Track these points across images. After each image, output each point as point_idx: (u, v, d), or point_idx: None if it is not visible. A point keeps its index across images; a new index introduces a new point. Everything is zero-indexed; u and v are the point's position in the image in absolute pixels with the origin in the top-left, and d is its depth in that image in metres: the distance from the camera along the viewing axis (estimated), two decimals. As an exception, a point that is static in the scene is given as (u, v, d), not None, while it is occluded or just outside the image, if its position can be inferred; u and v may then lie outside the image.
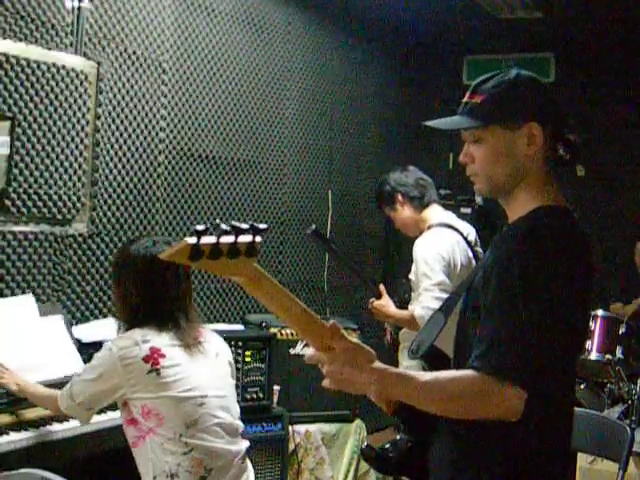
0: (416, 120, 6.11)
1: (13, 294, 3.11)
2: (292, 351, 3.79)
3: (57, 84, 3.28)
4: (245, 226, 1.32)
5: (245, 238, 1.32)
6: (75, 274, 3.39)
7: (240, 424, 2.45)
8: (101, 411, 2.56)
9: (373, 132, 5.65)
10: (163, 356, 2.27)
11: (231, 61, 4.28)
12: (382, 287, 3.32)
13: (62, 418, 2.58)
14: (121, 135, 3.62)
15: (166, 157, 3.89)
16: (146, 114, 3.75)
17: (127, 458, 2.34)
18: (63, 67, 3.30)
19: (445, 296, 2.98)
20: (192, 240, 1.27)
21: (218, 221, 1.32)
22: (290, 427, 3.58)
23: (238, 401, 2.52)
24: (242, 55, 4.36)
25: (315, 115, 5.01)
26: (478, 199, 5.39)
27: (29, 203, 3.18)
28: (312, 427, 3.80)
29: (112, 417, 2.67)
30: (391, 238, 5.49)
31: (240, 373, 3.31)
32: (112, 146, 3.57)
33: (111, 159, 3.57)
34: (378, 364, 1.50)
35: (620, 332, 4.30)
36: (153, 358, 2.25)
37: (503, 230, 1.67)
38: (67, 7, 3.32)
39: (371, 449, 1.71)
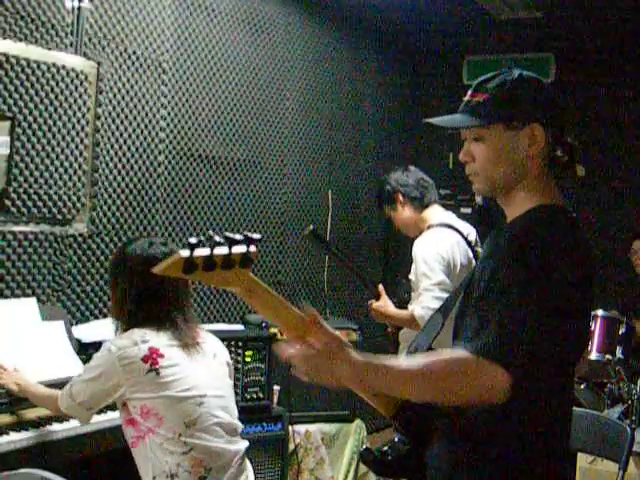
0: (416, 120, 6.11)
1: (13, 294, 3.11)
2: (292, 351, 3.79)
3: (57, 84, 3.28)
4: (239, 237, 1.32)
5: (239, 249, 1.32)
6: (75, 274, 3.40)
7: (239, 424, 2.46)
8: (101, 411, 2.57)
9: (373, 132, 5.66)
10: (162, 356, 2.27)
11: (231, 61, 4.29)
12: (381, 287, 3.31)
13: (62, 418, 2.58)
14: (121, 135, 3.62)
15: (166, 157, 3.89)
16: (146, 114, 3.75)
17: (127, 458, 2.34)
18: (63, 67, 3.30)
19: (445, 295, 2.99)
20: (185, 253, 1.27)
21: (211, 232, 1.32)
22: (290, 427, 3.58)
23: (238, 401, 2.52)
24: (242, 55, 4.36)
25: (315, 115, 5.01)
26: (478, 199, 5.39)
27: (29, 203, 3.18)
28: (312, 427, 3.80)
29: (112, 417, 2.67)
30: (391, 238, 5.49)
31: (240, 373, 3.31)
32: (112, 146, 3.57)
33: (111, 159, 3.57)
34: (359, 358, 1.48)
35: (620, 332, 4.30)
36: (152, 358, 2.26)
37: (500, 228, 1.67)
38: (67, 7, 3.32)
39: (369, 452, 1.71)
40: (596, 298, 1.67)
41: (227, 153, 4.28)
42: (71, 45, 3.35)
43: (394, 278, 5.21)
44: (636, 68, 5.54)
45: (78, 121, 3.38)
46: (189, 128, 4.01)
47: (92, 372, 2.31)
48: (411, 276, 3.25)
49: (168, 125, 3.89)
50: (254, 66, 4.46)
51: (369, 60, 5.58)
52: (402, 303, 3.34)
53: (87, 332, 3.15)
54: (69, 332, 3.04)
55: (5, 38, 3.07)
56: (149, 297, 2.34)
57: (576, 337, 1.62)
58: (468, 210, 5.34)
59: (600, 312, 4.32)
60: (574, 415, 1.71)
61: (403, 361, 1.52)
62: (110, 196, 3.57)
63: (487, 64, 6.02)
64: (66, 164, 3.34)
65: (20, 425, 2.50)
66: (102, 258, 3.52)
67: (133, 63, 3.67)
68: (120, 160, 3.62)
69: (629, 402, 3.87)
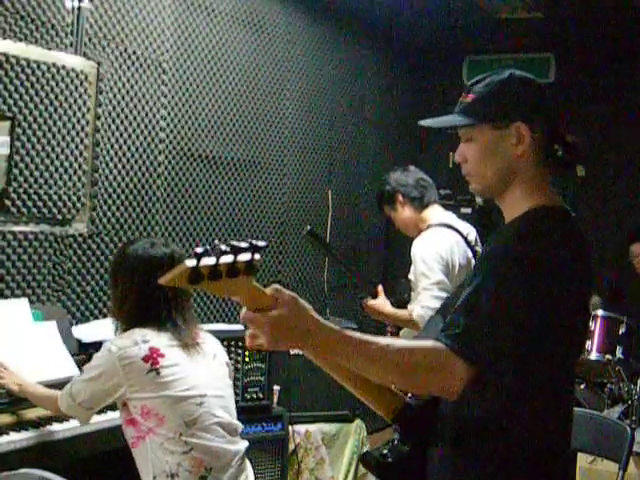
0: (416, 120, 6.10)
1: (13, 294, 3.11)
2: (292, 351, 3.79)
3: (57, 84, 3.28)
4: (244, 245, 1.31)
5: (244, 257, 1.31)
6: (75, 274, 3.39)
7: (239, 424, 2.46)
8: (101, 411, 2.56)
9: (373, 132, 5.66)
10: (162, 356, 2.28)
11: (231, 61, 4.29)
12: (380, 287, 3.31)
13: (62, 418, 2.58)
14: (121, 135, 3.62)
15: (166, 157, 3.89)
16: (146, 114, 3.75)
17: (127, 458, 2.34)
18: (63, 67, 3.30)
19: (444, 295, 3.00)
20: (191, 263, 1.26)
21: (217, 241, 1.31)
22: (290, 427, 3.58)
23: (238, 401, 2.53)
24: (242, 55, 4.36)
25: (315, 115, 5.01)
26: (478, 199, 5.39)
27: (29, 203, 3.18)
28: (312, 427, 3.79)
29: (112, 417, 2.67)
30: (391, 238, 5.49)
31: (240, 373, 3.32)
32: (112, 146, 3.57)
33: (111, 159, 3.57)
34: (320, 318, 1.44)
35: (620, 332, 4.30)
36: (152, 358, 2.26)
37: (497, 230, 1.66)
38: (67, 7, 3.32)
39: (370, 456, 1.71)
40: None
41: (227, 153, 4.28)
42: (71, 45, 3.35)
43: (394, 278, 5.20)
44: (636, 68, 5.54)
45: (78, 121, 3.38)
46: (189, 128, 4.01)
47: (92, 372, 2.31)
48: (410, 276, 3.25)
49: (168, 125, 3.89)
50: (254, 66, 4.46)
51: (369, 60, 5.58)
52: (401, 303, 3.34)
53: (87, 332, 3.15)
54: (68, 332, 3.04)
55: (5, 38, 3.07)
56: (149, 297, 2.34)
57: (574, 339, 1.62)
58: (468, 210, 5.35)
59: (600, 312, 4.32)
60: (574, 415, 1.71)
61: (372, 338, 1.48)
62: (110, 196, 3.57)
63: (487, 64, 6.02)
64: (66, 164, 3.34)
65: (20, 425, 2.50)
66: (102, 258, 3.51)
67: (133, 63, 3.67)
68: (120, 160, 3.62)
69: (629, 402, 3.87)
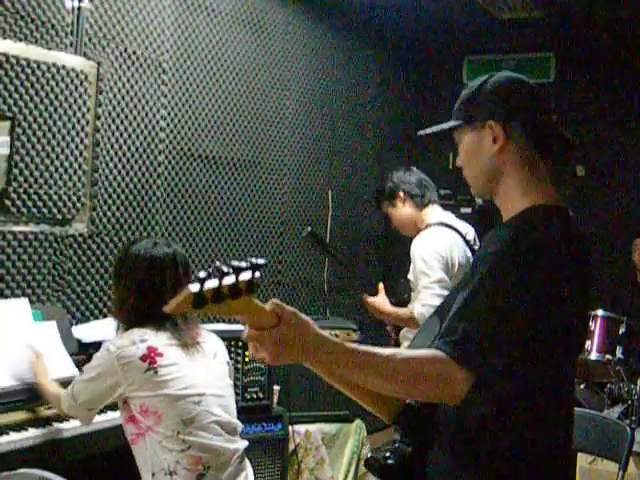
0: (416, 120, 6.12)
1: (13, 294, 3.11)
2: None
3: (57, 84, 3.28)
4: (244, 264, 1.32)
5: (245, 276, 1.32)
6: (75, 274, 3.39)
7: (239, 423, 2.47)
8: (101, 411, 2.58)
9: (373, 132, 5.66)
10: (160, 355, 2.29)
11: (231, 61, 4.29)
12: (381, 285, 3.32)
13: (62, 418, 2.59)
14: (121, 135, 3.62)
15: (166, 157, 3.89)
16: (146, 114, 3.75)
17: (127, 458, 2.35)
18: (63, 67, 3.30)
19: (445, 293, 3.00)
20: (195, 288, 1.27)
21: (218, 263, 1.32)
22: (290, 427, 3.58)
23: (238, 401, 2.53)
24: (242, 55, 4.36)
25: (315, 115, 5.01)
26: (478, 199, 5.39)
27: (29, 203, 3.18)
28: (312, 427, 3.80)
29: (112, 417, 2.67)
30: (391, 238, 5.49)
31: (240, 373, 3.32)
32: (112, 146, 3.57)
33: (111, 159, 3.57)
34: (321, 332, 1.45)
35: (620, 332, 4.30)
36: (150, 357, 2.27)
37: (492, 231, 1.66)
38: (67, 7, 3.32)
39: (374, 459, 1.72)
40: (596, 298, 1.67)
41: (227, 153, 4.28)
42: (71, 45, 3.35)
43: (394, 278, 5.20)
44: (636, 68, 5.54)
45: (78, 121, 3.38)
46: (189, 128, 4.01)
47: (92, 372, 2.33)
48: (410, 276, 3.25)
49: (168, 125, 3.89)
50: (254, 66, 4.46)
51: (369, 60, 5.58)
52: (401, 303, 3.34)
53: (87, 332, 3.15)
54: (68, 332, 3.04)
55: (5, 38, 3.07)
56: (150, 297, 2.35)
57: (572, 339, 1.62)
58: (468, 210, 5.35)
59: (600, 312, 4.32)
60: (574, 415, 1.71)
61: (379, 356, 1.48)
62: (110, 196, 3.57)
63: (487, 64, 6.02)
64: (66, 164, 3.34)
65: (20, 425, 2.50)
66: (102, 258, 3.52)
67: (133, 63, 3.67)
68: (120, 160, 3.62)
69: (629, 402, 3.87)
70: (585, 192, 5.54)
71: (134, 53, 3.67)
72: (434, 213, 3.35)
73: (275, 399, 3.58)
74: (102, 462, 2.78)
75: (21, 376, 2.64)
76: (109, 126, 3.55)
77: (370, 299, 3.30)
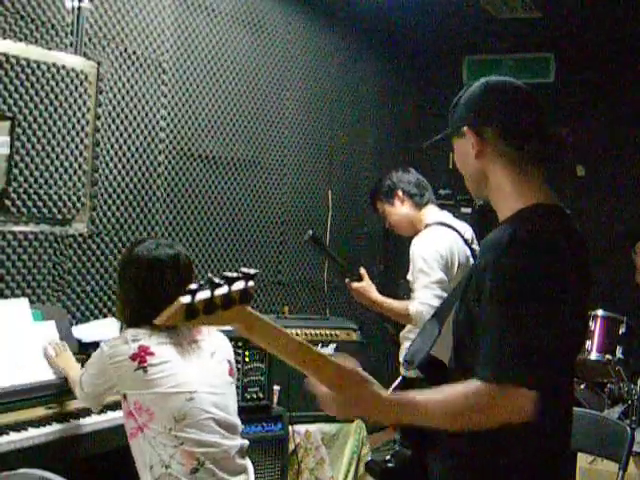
0: (416, 120, 6.12)
1: (13, 294, 3.11)
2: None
3: (57, 84, 3.28)
4: (236, 274, 1.32)
5: (237, 286, 1.32)
6: (75, 274, 3.40)
7: (238, 422, 2.47)
8: (101, 411, 2.62)
9: (373, 132, 5.66)
10: (152, 354, 2.31)
11: (231, 61, 4.29)
12: (363, 271, 3.30)
13: (62, 418, 2.60)
14: (121, 135, 3.62)
15: (166, 157, 3.89)
16: (146, 114, 3.75)
17: (127, 458, 2.36)
18: (63, 67, 3.30)
19: (444, 295, 2.99)
20: (186, 299, 1.27)
21: (210, 275, 1.32)
22: (290, 427, 3.58)
23: (238, 401, 2.53)
24: (242, 55, 4.37)
25: (315, 115, 5.01)
26: (475, 198, 5.38)
27: (29, 203, 3.18)
28: (312, 427, 3.79)
29: (112, 417, 2.68)
30: (391, 238, 5.49)
31: (240, 373, 3.31)
32: (112, 146, 3.57)
33: (111, 159, 3.57)
34: (382, 395, 1.51)
35: (620, 332, 4.30)
36: (140, 356, 2.30)
37: (490, 234, 1.66)
38: (67, 7, 3.32)
39: (374, 463, 1.72)
40: (596, 298, 1.67)
41: (227, 153, 4.28)
42: (71, 45, 3.35)
43: (394, 278, 5.20)
44: (636, 68, 5.54)
45: (78, 121, 3.38)
46: (189, 128, 4.01)
47: (91, 368, 2.42)
48: (409, 276, 3.24)
49: (168, 125, 3.89)
50: (254, 66, 4.46)
51: (369, 60, 5.58)
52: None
53: (87, 332, 3.15)
54: (68, 332, 3.04)
55: (5, 38, 3.07)
56: (152, 298, 2.36)
57: (575, 339, 1.63)
58: (468, 210, 5.35)
59: (600, 312, 4.32)
60: (574, 415, 1.71)
61: (426, 398, 1.53)
62: (110, 196, 3.57)
63: (487, 64, 6.02)
64: (66, 164, 3.34)
65: (20, 425, 2.50)
66: (102, 258, 3.52)
67: (133, 63, 3.67)
68: (120, 160, 3.62)
69: (629, 402, 3.87)
70: (585, 192, 5.54)
71: (134, 53, 3.67)
72: (432, 213, 3.35)
73: (275, 399, 3.58)
74: (102, 462, 2.78)
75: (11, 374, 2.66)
76: (109, 126, 3.55)
77: (355, 285, 3.27)
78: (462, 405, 1.50)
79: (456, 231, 3.28)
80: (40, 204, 3.22)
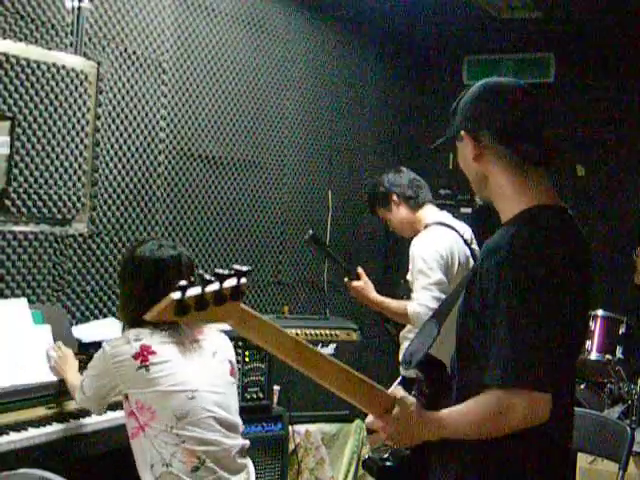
0: (416, 120, 6.11)
1: (13, 294, 3.11)
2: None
3: (57, 84, 3.28)
4: (227, 271, 1.33)
5: (229, 283, 1.33)
6: (75, 274, 3.40)
7: (239, 421, 2.48)
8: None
9: (373, 132, 5.65)
10: (153, 353, 2.32)
11: (231, 61, 4.28)
12: (360, 270, 3.29)
13: (62, 418, 2.60)
14: (121, 135, 3.62)
15: (166, 157, 3.89)
16: (146, 114, 3.75)
17: (127, 458, 2.36)
18: (63, 67, 3.30)
19: (443, 296, 2.99)
20: (177, 295, 1.28)
21: (201, 271, 1.33)
22: (290, 427, 3.58)
23: (238, 401, 2.53)
24: (242, 55, 4.36)
25: (315, 115, 5.01)
26: (478, 199, 5.38)
27: (29, 203, 3.18)
28: (312, 427, 3.80)
29: (112, 417, 2.68)
30: (391, 238, 5.49)
31: (240, 373, 3.31)
32: (112, 146, 3.57)
33: (111, 159, 3.57)
34: (413, 415, 1.56)
35: (620, 332, 4.30)
36: (142, 355, 2.31)
37: (492, 237, 1.66)
38: (67, 7, 3.32)
39: (372, 461, 1.72)
40: (596, 298, 1.67)
41: (227, 153, 4.28)
42: (71, 45, 3.35)
43: (394, 279, 5.20)
44: (636, 68, 5.53)
45: (78, 121, 3.38)
46: (189, 128, 4.01)
47: (93, 370, 2.42)
48: (408, 276, 3.24)
49: (168, 125, 3.89)
50: (254, 66, 4.46)
51: (369, 60, 5.58)
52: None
53: (87, 332, 3.15)
54: (68, 332, 3.04)
55: (5, 38, 3.07)
56: (154, 298, 2.35)
57: (576, 339, 1.63)
58: (468, 210, 5.35)
59: (600, 312, 4.32)
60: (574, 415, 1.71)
61: (452, 412, 1.57)
62: (110, 196, 3.57)
63: (487, 64, 6.02)
64: (66, 164, 3.34)
65: (20, 425, 2.50)
66: (102, 258, 3.52)
67: (133, 63, 3.67)
68: (120, 160, 3.62)
69: (629, 402, 3.87)
70: (585, 192, 5.54)
71: (134, 53, 3.67)
72: (430, 213, 3.33)
73: (275, 399, 3.58)
74: (102, 462, 2.78)
75: (23, 375, 2.66)
76: (109, 126, 3.55)
77: (353, 283, 3.27)
78: (481, 413, 1.52)
79: (455, 231, 3.27)
80: (40, 204, 3.22)
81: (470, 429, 1.54)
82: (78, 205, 3.39)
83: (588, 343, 4.28)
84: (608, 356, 4.24)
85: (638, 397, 3.79)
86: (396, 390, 1.61)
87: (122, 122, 3.62)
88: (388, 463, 1.68)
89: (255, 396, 3.41)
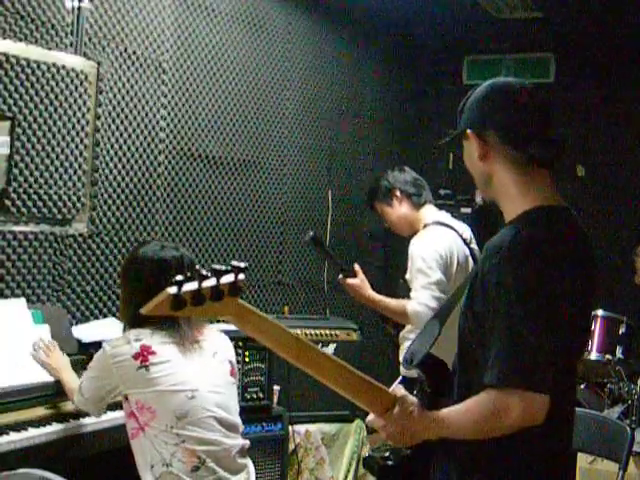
0: (416, 120, 6.12)
1: (13, 294, 3.11)
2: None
3: (57, 84, 3.28)
4: (225, 267, 1.33)
5: (227, 279, 1.33)
6: (75, 274, 3.39)
7: (239, 422, 2.48)
8: (103, 411, 2.61)
9: (373, 132, 5.65)
10: (153, 353, 2.32)
11: (231, 61, 4.28)
12: (357, 267, 3.27)
13: (62, 418, 2.60)
14: (121, 135, 3.62)
15: (166, 157, 3.89)
16: (146, 114, 3.75)
17: (127, 458, 2.36)
18: (63, 67, 3.30)
19: (442, 296, 2.99)
20: (173, 290, 1.27)
21: (198, 267, 1.33)
22: (290, 427, 3.58)
23: (238, 401, 2.53)
24: (242, 55, 4.36)
25: (315, 115, 5.01)
26: (478, 199, 5.38)
27: (29, 203, 3.18)
28: (312, 427, 3.80)
29: (112, 417, 2.68)
30: (391, 238, 5.49)
31: (240, 373, 3.31)
32: (112, 146, 3.57)
33: (111, 159, 3.57)
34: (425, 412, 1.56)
35: (620, 332, 4.30)
36: (142, 355, 2.31)
37: (493, 237, 1.66)
38: (67, 7, 3.32)
39: (372, 460, 1.72)
40: (596, 298, 1.67)
41: (227, 153, 4.27)
42: (71, 45, 3.35)
43: (394, 278, 5.20)
44: (636, 68, 5.54)
45: (78, 121, 3.38)
46: (189, 128, 4.01)
47: (92, 372, 2.41)
48: (407, 275, 3.24)
49: (168, 125, 3.89)
50: (254, 66, 4.46)
51: (369, 60, 5.58)
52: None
53: (87, 332, 3.15)
54: (68, 332, 3.04)
55: (5, 38, 3.07)
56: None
57: (578, 340, 1.63)
58: (468, 210, 5.35)
59: (600, 312, 4.32)
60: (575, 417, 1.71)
61: (451, 412, 1.57)
62: (110, 196, 3.57)
63: (487, 64, 6.02)
64: (66, 164, 3.34)
65: (20, 425, 2.50)
66: (102, 258, 3.52)
67: (133, 63, 3.67)
68: (120, 160, 3.62)
69: (629, 402, 3.87)
70: (585, 192, 5.54)
71: (134, 53, 3.67)
72: (430, 213, 3.34)
73: (275, 399, 3.58)
74: (102, 462, 2.78)
75: (22, 374, 2.66)
76: (109, 126, 3.55)
77: (349, 281, 3.23)
78: (478, 412, 1.52)
79: (455, 231, 3.27)
80: (40, 204, 3.22)
81: (468, 429, 1.54)
82: (78, 205, 3.39)
83: (588, 343, 4.28)
84: (608, 356, 4.24)
85: (638, 397, 3.79)
86: (397, 389, 1.61)
87: (122, 122, 3.62)
88: (389, 462, 1.68)
89: (255, 396, 3.41)
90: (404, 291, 3.36)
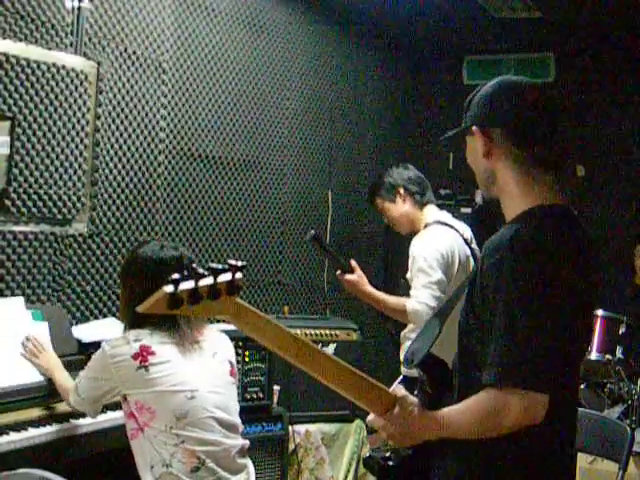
0: (416, 120, 6.12)
1: (13, 294, 3.11)
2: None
3: (57, 84, 3.28)
4: (222, 266, 1.32)
5: (224, 277, 1.32)
6: (75, 274, 3.40)
7: (239, 422, 2.48)
8: (101, 411, 2.59)
9: (373, 132, 5.65)
10: (153, 354, 2.32)
11: (231, 61, 4.28)
12: (354, 263, 3.26)
13: (62, 418, 2.60)
14: (121, 135, 3.62)
15: (166, 157, 3.89)
16: (146, 114, 3.75)
17: (127, 458, 2.36)
18: (63, 67, 3.30)
19: (443, 295, 3.00)
20: (169, 289, 1.27)
21: (195, 265, 1.32)
22: (290, 427, 3.58)
23: (238, 401, 2.53)
24: (242, 55, 4.36)
25: (315, 115, 5.01)
26: (478, 199, 5.39)
27: (29, 203, 3.18)
28: (312, 427, 3.80)
29: (112, 417, 2.68)
30: (391, 238, 5.49)
31: (240, 373, 3.32)
32: (112, 146, 3.57)
33: (111, 159, 3.57)
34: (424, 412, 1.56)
35: (620, 332, 4.30)
36: (142, 355, 2.31)
37: (493, 236, 1.66)
38: (67, 7, 3.32)
39: (373, 460, 1.72)
40: (598, 298, 1.67)
41: (227, 153, 4.27)
42: (71, 45, 3.35)
43: (394, 278, 5.20)
44: (636, 68, 5.54)
45: (78, 121, 3.38)
46: (189, 128, 4.01)
47: (90, 372, 2.40)
48: (408, 275, 3.24)
49: (168, 125, 3.89)
50: (254, 66, 4.46)
51: (369, 60, 5.58)
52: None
53: (87, 332, 3.15)
54: (68, 332, 3.04)
55: (5, 38, 3.07)
56: None
57: (579, 338, 1.63)
58: (468, 210, 5.34)
59: (600, 312, 4.32)
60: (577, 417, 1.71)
61: (451, 411, 1.57)
62: (110, 196, 3.57)
63: (487, 64, 6.02)
64: (66, 164, 3.34)
65: (19, 425, 2.50)
66: (102, 258, 3.52)
67: (133, 63, 3.67)
68: (120, 160, 3.62)
69: (629, 402, 3.87)
70: (585, 192, 5.54)
71: (134, 53, 3.67)
72: (432, 212, 3.34)
73: (275, 399, 3.58)
74: (102, 462, 2.79)
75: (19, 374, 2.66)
76: (109, 126, 3.55)
77: (347, 277, 3.21)
78: (477, 412, 1.51)
79: (455, 230, 3.28)
80: (40, 204, 3.22)
81: (468, 428, 1.53)
82: (78, 205, 3.39)
83: (590, 343, 4.28)
84: (608, 356, 4.23)
85: (638, 397, 3.80)
86: (397, 389, 1.60)
87: (122, 122, 3.62)
88: (389, 462, 1.68)
89: (255, 396, 3.41)
90: (405, 290, 3.36)
